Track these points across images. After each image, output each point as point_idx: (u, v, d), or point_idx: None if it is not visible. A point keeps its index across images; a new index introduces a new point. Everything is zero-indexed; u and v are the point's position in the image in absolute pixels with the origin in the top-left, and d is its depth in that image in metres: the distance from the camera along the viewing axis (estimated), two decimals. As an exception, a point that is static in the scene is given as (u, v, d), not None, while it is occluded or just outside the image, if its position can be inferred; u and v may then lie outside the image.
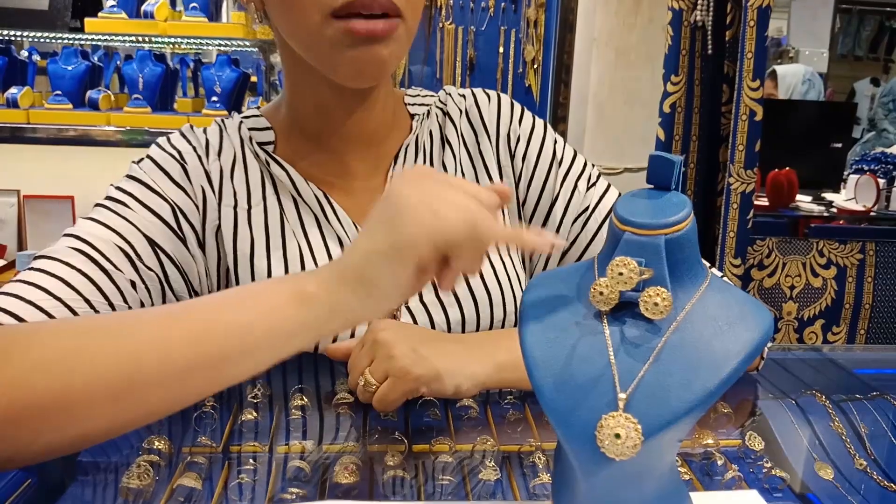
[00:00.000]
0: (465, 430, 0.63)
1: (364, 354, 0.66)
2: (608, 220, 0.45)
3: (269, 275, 0.76)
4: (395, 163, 0.83)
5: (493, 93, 0.88)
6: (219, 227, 0.78)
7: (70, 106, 2.57)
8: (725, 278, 0.62)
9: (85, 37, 2.79)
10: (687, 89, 2.02)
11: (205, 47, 3.29)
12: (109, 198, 0.74)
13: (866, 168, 2.68)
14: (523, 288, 0.83)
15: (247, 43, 2.79)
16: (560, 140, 0.87)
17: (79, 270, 0.66)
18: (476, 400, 0.66)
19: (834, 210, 2.45)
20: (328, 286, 0.52)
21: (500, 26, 3.11)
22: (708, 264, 0.49)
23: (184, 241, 0.75)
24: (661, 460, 0.42)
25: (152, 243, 0.72)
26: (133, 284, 0.69)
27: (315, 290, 0.51)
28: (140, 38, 2.79)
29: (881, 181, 2.52)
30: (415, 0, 0.71)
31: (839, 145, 2.80)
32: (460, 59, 3.18)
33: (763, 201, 2.38)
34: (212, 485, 0.54)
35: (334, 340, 0.76)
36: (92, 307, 0.65)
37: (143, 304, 0.70)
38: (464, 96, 0.88)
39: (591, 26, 2.73)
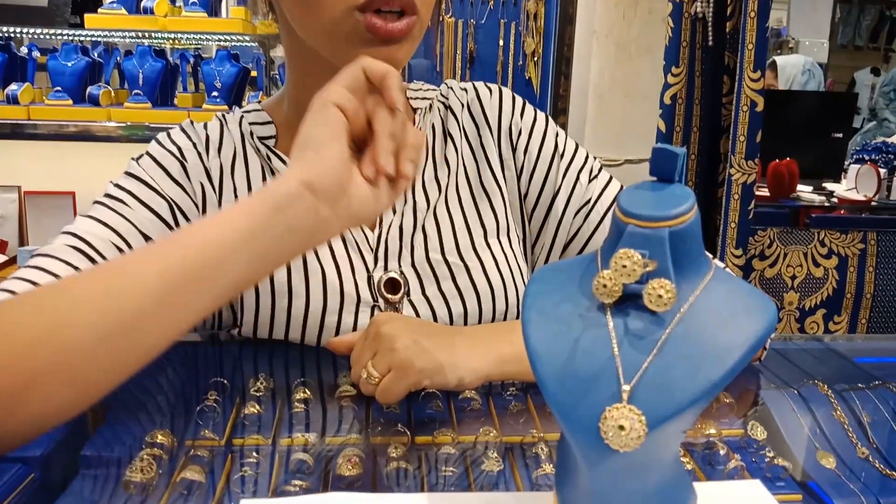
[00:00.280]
0: (467, 421, 0.64)
1: (367, 347, 0.66)
2: (611, 213, 0.45)
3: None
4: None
5: (494, 86, 0.88)
6: (220, 222, 0.77)
7: (70, 102, 2.57)
8: (727, 269, 0.62)
9: (85, 33, 2.79)
10: (688, 81, 2.02)
11: (204, 42, 3.29)
12: (108, 195, 0.74)
13: (867, 158, 2.67)
14: (525, 280, 0.83)
15: (246, 38, 2.79)
16: (561, 133, 0.87)
17: (76, 268, 0.66)
18: (478, 391, 0.67)
19: (835, 200, 2.45)
20: (285, 179, 0.54)
21: (500, 19, 3.10)
22: (711, 256, 0.49)
23: (182, 238, 0.75)
24: (665, 451, 0.42)
25: (149, 242, 0.72)
26: None
27: (284, 189, 0.53)
28: (140, 34, 2.79)
29: (882, 171, 2.51)
30: None
31: (840, 135, 2.79)
32: (460, 52, 3.17)
33: (764, 192, 2.38)
34: (215, 478, 0.54)
35: (337, 333, 0.76)
36: None
37: None
38: (465, 90, 0.88)
39: (591, 18, 2.72)
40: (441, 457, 0.57)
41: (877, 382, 0.75)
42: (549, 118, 0.88)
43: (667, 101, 2.03)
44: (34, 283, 0.63)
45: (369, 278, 0.78)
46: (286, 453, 0.58)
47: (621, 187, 0.85)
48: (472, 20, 3.14)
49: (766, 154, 2.10)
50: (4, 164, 2.57)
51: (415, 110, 0.85)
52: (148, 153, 0.78)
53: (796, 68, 4.09)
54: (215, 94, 2.67)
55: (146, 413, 0.65)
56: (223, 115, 0.84)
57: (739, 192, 1.93)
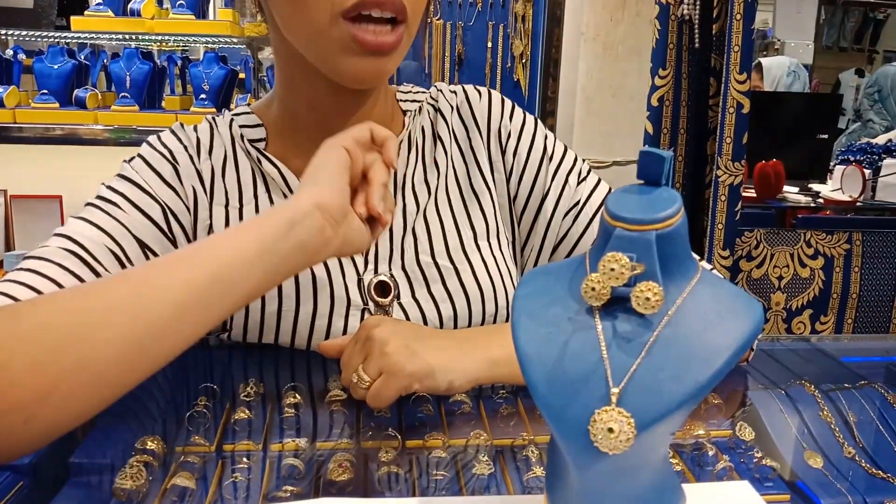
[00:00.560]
0: (458, 425, 0.64)
1: (357, 351, 0.66)
2: (599, 216, 0.45)
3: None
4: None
5: (483, 89, 0.88)
6: (210, 226, 0.77)
7: (57, 105, 2.55)
8: (714, 270, 0.62)
9: (71, 35, 2.77)
10: (674, 83, 2.03)
11: (192, 45, 3.27)
12: (101, 197, 0.74)
13: (852, 159, 2.69)
14: (514, 283, 0.83)
15: (234, 40, 2.78)
16: (550, 135, 0.87)
17: (68, 271, 0.66)
18: (469, 395, 0.67)
19: (821, 201, 2.47)
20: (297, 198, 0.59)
21: (488, 21, 3.11)
22: (698, 258, 0.49)
23: (173, 242, 0.75)
24: (654, 453, 0.42)
25: (142, 245, 0.72)
26: None
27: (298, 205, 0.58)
28: (127, 36, 2.77)
29: (867, 171, 2.54)
30: (420, 2, 0.71)
31: (825, 136, 2.81)
32: (449, 54, 3.18)
33: (751, 193, 2.39)
34: (206, 484, 0.54)
35: (327, 337, 0.76)
36: None
37: None
38: (455, 92, 0.88)
39: (578, 20, 2.73)
40: (432, 461, 0.58)
41: (863, 382, 0.76)
42: (538, 121, 0.88)
43: (654, 102, 2.04)
44: (31, 287, 0.63)
45: (359, 281, 0.78)
46: (277, 459, 0.58)
47: (609, 190, 0.85)
48: (460, 22, 3.14)
49: (753, 155, 2.11)
50: (-10, 167, 2.55)
51: (404, 112, 0.85)
52: (140, 155, 0.78)
53: (782, 70, 4.12)
54: (203, 96, 2.65)
55: (136, 419, 0.65)
56: (213, 118, 0.84)
57: (726, 193, 1.94)
